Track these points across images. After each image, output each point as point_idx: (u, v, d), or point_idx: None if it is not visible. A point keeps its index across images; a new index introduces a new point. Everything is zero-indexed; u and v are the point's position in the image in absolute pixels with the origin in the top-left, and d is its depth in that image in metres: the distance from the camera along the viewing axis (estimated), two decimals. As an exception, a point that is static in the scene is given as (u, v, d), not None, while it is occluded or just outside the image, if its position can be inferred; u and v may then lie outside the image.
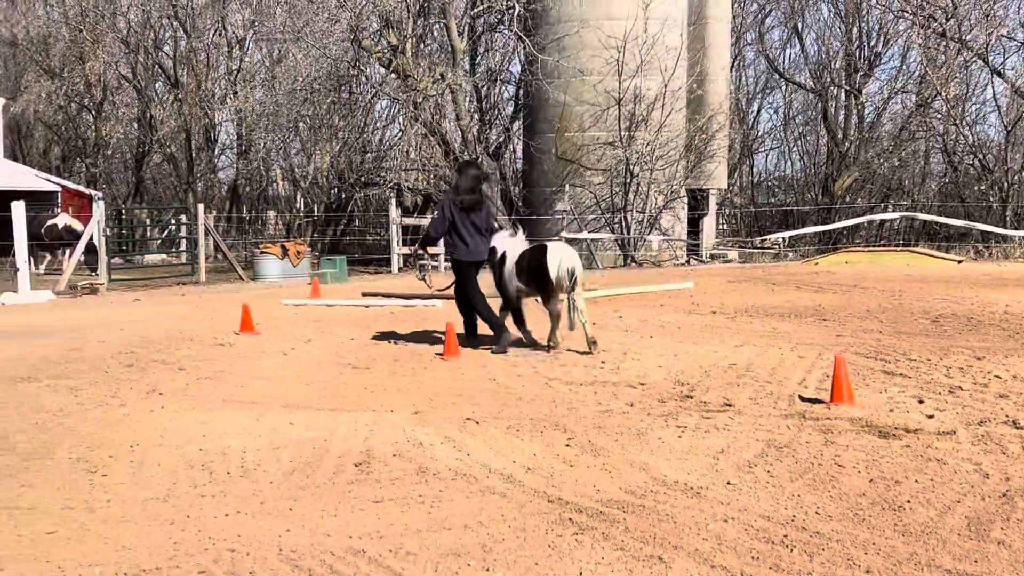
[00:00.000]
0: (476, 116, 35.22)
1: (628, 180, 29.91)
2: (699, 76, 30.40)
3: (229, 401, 9.12)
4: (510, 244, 11.87)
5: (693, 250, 31.02)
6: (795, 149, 44.77)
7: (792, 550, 5.29)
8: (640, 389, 9.31)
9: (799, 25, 42.34)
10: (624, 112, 29.69)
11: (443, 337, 11.73)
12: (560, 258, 11.26)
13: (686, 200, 31.08)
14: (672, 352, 11.22)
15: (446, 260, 24.39)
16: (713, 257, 30.79)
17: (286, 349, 12.18)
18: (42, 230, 28.22)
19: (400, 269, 29.22)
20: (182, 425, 8.19)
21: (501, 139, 36.05)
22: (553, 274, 11.22)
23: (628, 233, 29.99)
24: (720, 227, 36.73)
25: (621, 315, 14.85)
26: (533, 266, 11.44)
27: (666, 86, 29.37)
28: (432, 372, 10.45)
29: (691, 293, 18.19)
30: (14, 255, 20.77)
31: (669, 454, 7.06)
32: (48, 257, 29.33)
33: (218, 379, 10.24)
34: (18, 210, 20.39)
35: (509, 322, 12.01)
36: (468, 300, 11.92)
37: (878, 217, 33.90)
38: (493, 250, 11.88)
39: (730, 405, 8.51)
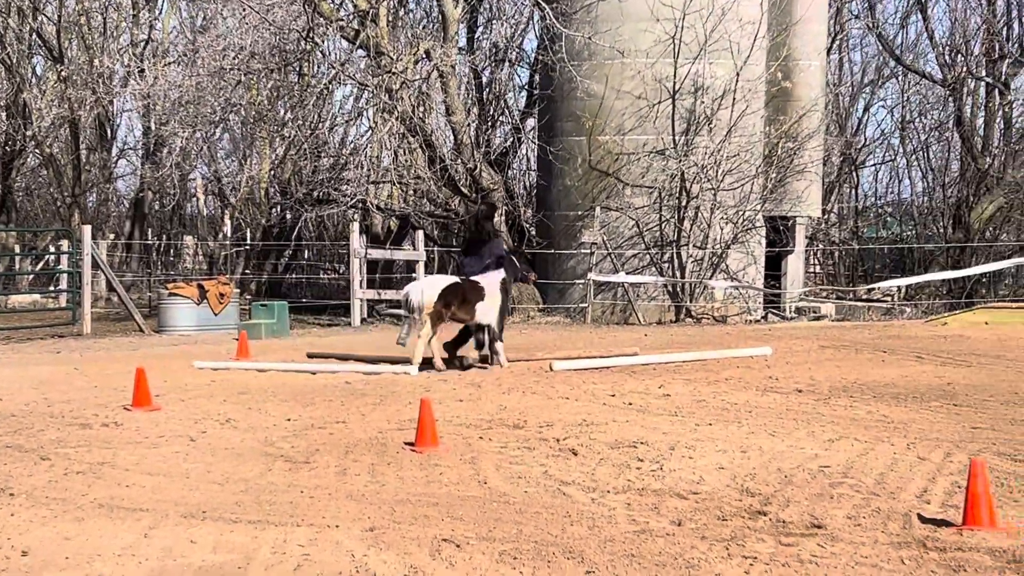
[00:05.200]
0: (474, 110, 35.23)
1: (684, 203, 29.79)
2: (785, 62, 30.35)
3: (108, 507, 8.96)
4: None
5: (772, 301, 30.83)
6: (916, 164, 44.73)
7: None
8: (692, 500, 9.17)
9: (924, -8, 42.53)
10: (680, 109, 29.64)
11: (416, 419, 11.56)
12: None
13: (764, 232, 30.94)
14: (739, 447, 11.06)
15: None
16: (800, 312, 30.58)
17: (195, 433, 12.04)
18: None
19: (364, 320, 29.11)
20: (36, 541, 8.01)
21: (508, 143, 36.01)
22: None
23: (682, 276, 29.83)
24: (811, 270, 36.59)
25: (668, 392, 14.68)
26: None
27: (739, 74, 29.33)
28: (398, 470, 10.30)
29: (768, 362, 18.01)
30: None
31: (731, 598, 6.90)
32: None
33: (96, 474, 10.09)
34: None
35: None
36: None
37: (1032, 260, 33.79)
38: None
39: (820, 527, 8.35)
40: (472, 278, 17.43)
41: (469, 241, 18.69)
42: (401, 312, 18.63)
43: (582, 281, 29.85)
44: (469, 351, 17.95)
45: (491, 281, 17.38)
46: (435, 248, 34.68)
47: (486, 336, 17.50)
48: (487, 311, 17.21)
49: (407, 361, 17.42)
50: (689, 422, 12.50)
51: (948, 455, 10.66)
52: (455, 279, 17.56)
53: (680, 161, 29.54)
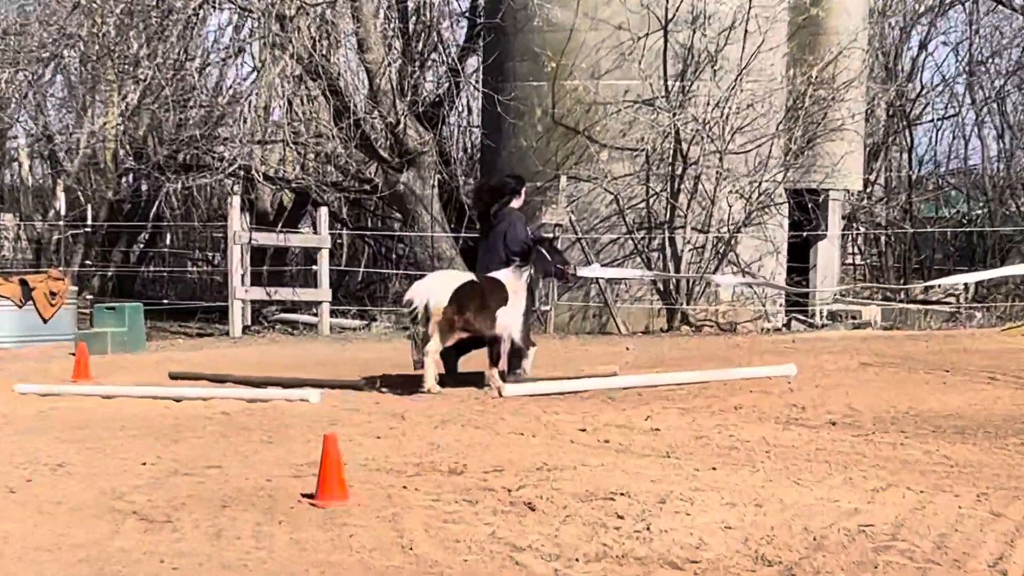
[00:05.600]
0: (397, 46, 35.13)
1: (679, 171, 29.83)
2: (814, -19, 30.45)
3: None
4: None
5: (798, 303, 30.86)
6: (988, 120, 44.88)
7: None
8: (690, 571, 9.16)
9: None
10: (674, 45, 29.64)
11: (317, 462, 11.50)
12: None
13: (786, 211, 30.93)
14: (752, 500, 11.05)
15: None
16: (835, 317, 30.61)
17: (15, 481, 11.97)
18: None
19: (247, 329, 28.96)
20: None
21: (442, 89, 35.96)
22: None
23: (677, 269, 29.81)
24: (849, 262, 36.64)
25: (658, 426, 14.71)
26: None
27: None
28: (293, 531, 10.23)
29: (792, 385, 18.09)
30: None
31: None
32: None
33: None
34: None
35: None
36: None
37: None
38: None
39: (860, 608, 8.39)
40: (491, 275, 17.73)
41: (481, 226, 19.27)
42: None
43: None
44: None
45: (513, 278, 17.62)
46: (344, 231, 34.60)
47: (503, 349, 17.60)
48: (509, 319, 17.42)
49: (305, 384, 17.39)
50: (686, 466, 12.50)
51: (1031, 510, 10.71)
52: (469, 276, 18.08)
53: (674, 114, 29.43)
